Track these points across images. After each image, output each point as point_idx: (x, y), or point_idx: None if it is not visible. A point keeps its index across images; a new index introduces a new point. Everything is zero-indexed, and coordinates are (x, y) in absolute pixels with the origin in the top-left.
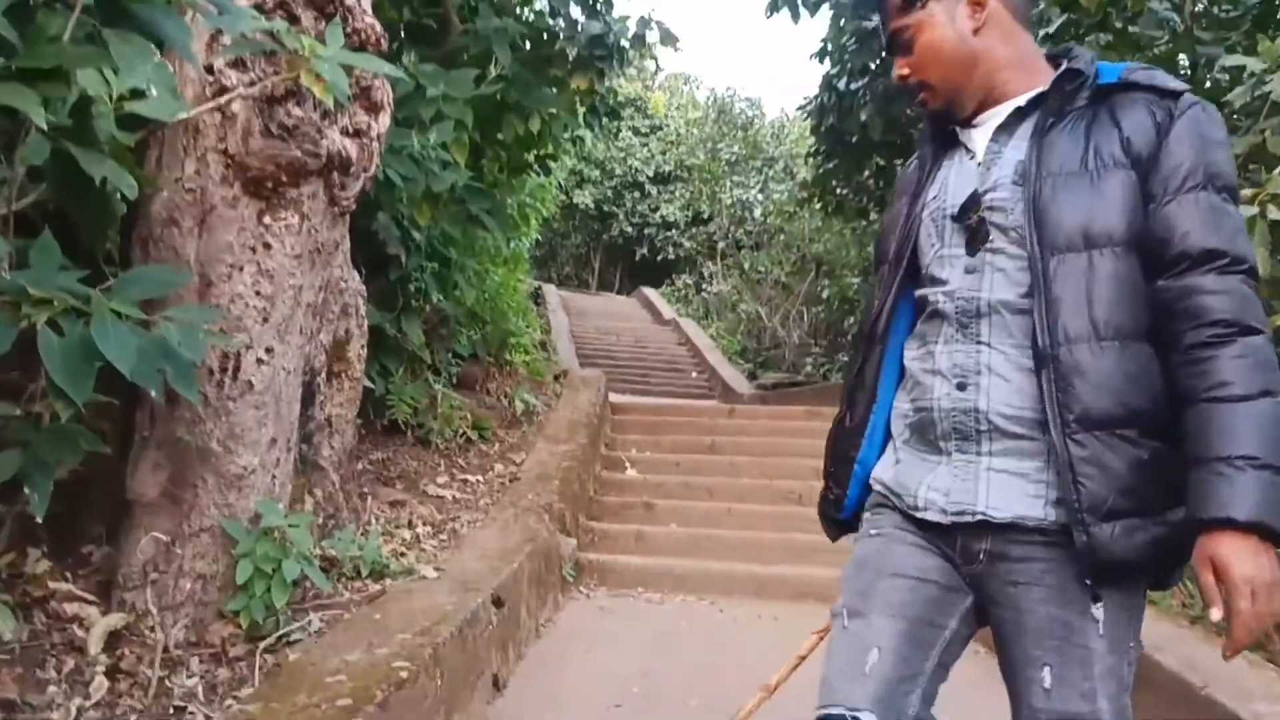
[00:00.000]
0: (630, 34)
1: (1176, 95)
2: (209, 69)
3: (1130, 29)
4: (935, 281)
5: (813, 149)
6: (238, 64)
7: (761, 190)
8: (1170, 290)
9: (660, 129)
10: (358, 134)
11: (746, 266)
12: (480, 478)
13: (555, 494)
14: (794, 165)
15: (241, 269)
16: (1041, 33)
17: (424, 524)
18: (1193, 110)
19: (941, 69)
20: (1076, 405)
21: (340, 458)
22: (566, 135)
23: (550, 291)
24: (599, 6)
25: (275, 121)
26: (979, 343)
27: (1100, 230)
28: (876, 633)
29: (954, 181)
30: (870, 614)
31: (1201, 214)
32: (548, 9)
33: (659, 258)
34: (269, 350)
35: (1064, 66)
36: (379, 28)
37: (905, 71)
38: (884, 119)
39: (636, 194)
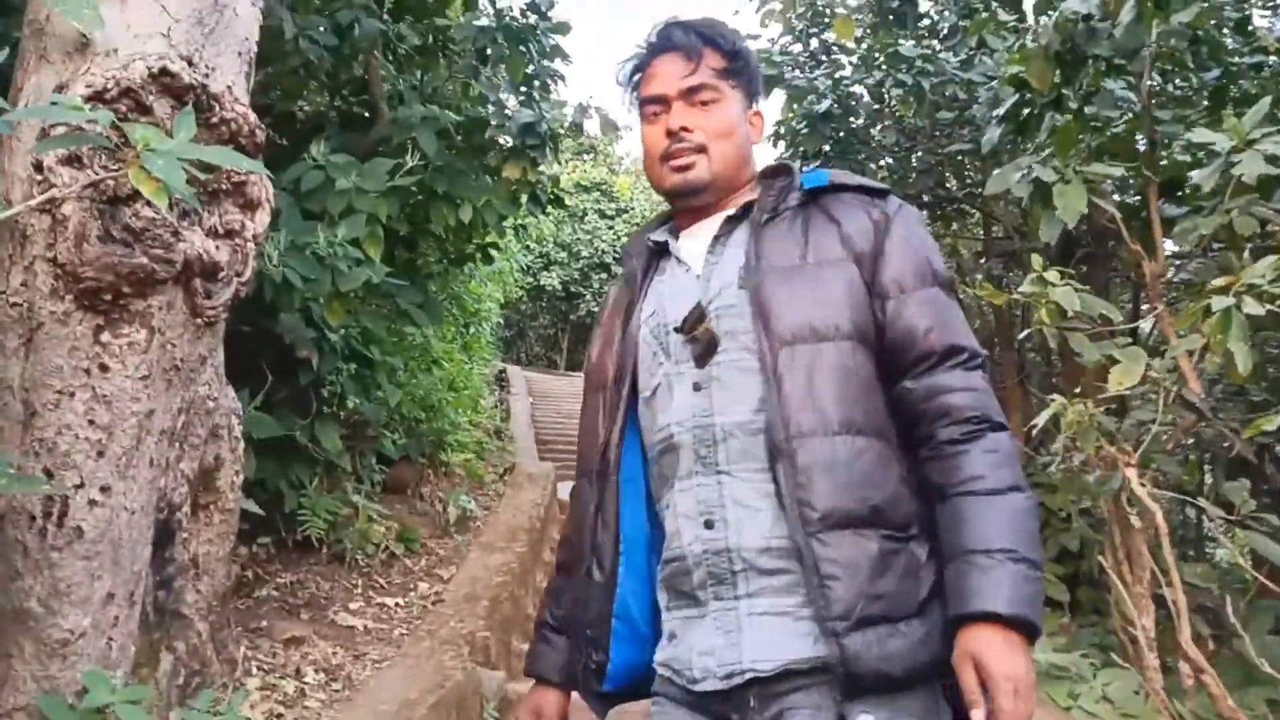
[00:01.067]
0: (568, 122)
1: (885, 195)
2: (38, 166)
3: (1086, 108)
4: (662, 410)
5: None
6: (72, 161)
7: None
8: (916, 390)
9: (626, 211)
10: (229, 234)
11: None
12: (400, 600)
13: (482, 618)
14: None
15: (72, 395)
16: (994, 113)
17: (317, 670)
18: (904, 210)
19: (725, 150)
20: (818, 502)
21: (210, 602)
22: (508, 223)
23: (515, 374)
24: (534, 94)
25: (119, 224)
26: (719, 473)
27: (825, 324)
28: None
29: (670, 295)
30: None
31: (936, 312)
32: (481, 98)
33: None
34: (105, 489)
35: (769, 166)
36: (253, 118)
37: (691, 127)
38: None
39: (603, 275)
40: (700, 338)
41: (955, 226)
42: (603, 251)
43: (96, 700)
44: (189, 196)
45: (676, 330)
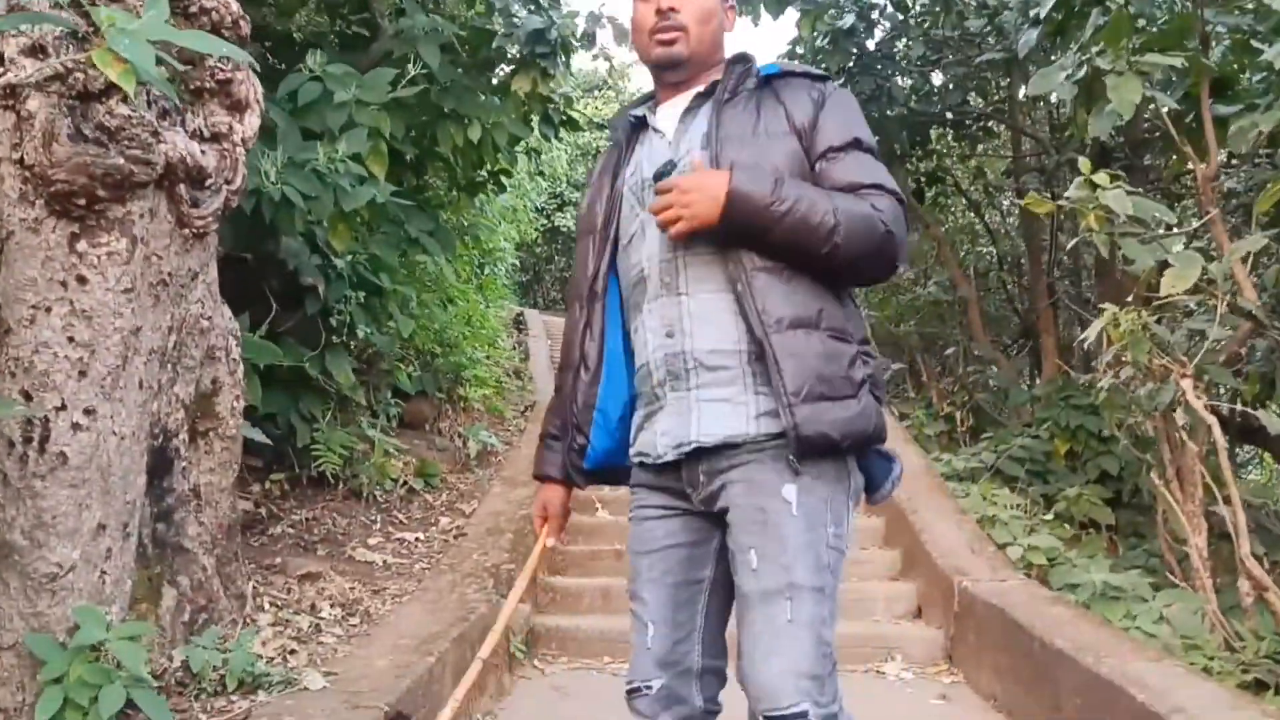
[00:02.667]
0: (579, 30)
1: (825, 79)
2: None
3: (1129, 5)
4: (636, 250)
5: None
6: (36, 51)
7: None
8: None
9: None
10: (216, 138)
11: None
12: (420, 535)
13: (506, 551)
14: None
15: (49, 310)
16: (1033, 13)
17: (333, 605)
18: (839, 91)
19: (702, 30)
20: (774, 311)
21: (215, 535)
22: (521, 149)
23: (533, 317)
24: (543, 1)
25: (91, 122)
26: (679, 294)
27: (771, 164)
28: (648, 608)
29: (647, 158)
30: (641, 593)
31: (860, 166)
32: (487, 8)
33: None
34: (89, 412)
35: (733, 55)
36: (236, 8)
37: (678, 8)
38: None
39: None
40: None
41: (981, 147)
42: None
43: (89, 637)
44: (161, 84)
45: (655, 179)
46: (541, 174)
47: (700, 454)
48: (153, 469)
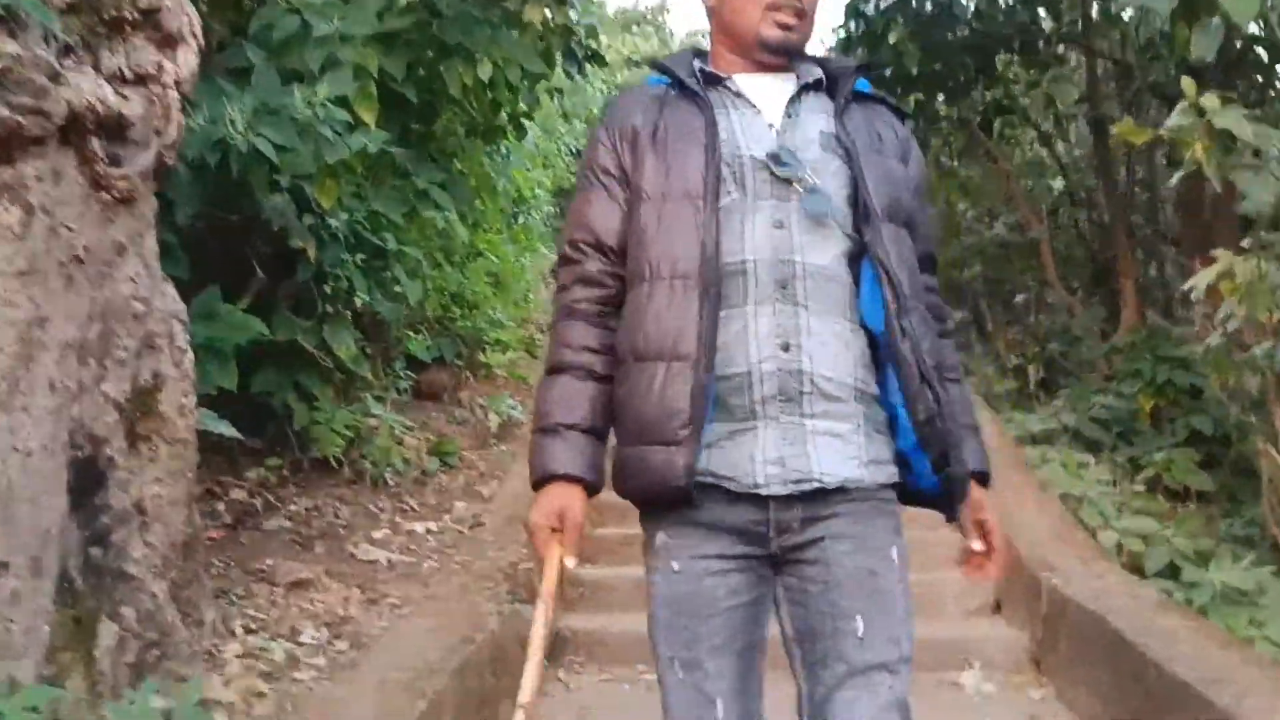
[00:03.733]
0: None
1: (905, 118)
2: None
3: None
4: (733, 236)
5: None
6: None
7: None
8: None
9: None
10: (141, 80)
11: None
12: (432, 526)
13: (525, 547)
14: None
15: None
16: None
17: (319, 625)
18: (914, 138)
19: (813, 22)
20: (925, 358)
21: (167, 555)
22: (543, 88)
23: None
24: None
25: None
26: (797, 304)
27: (902, 208)
28: (714, 681)
29: (742, 131)
30: (703, 662)
31: (929, 230)
32: None
33: None
34: None
35: (863, 66)
36: None
37: None
38: (920, 46)
39: None
40: (795, 182)
41: (1052, 72)
42: None
43: None
44: (32, 5)
45: (773, 162)
46: (576, 116)
47: (809, 494)
48: (79, 486)
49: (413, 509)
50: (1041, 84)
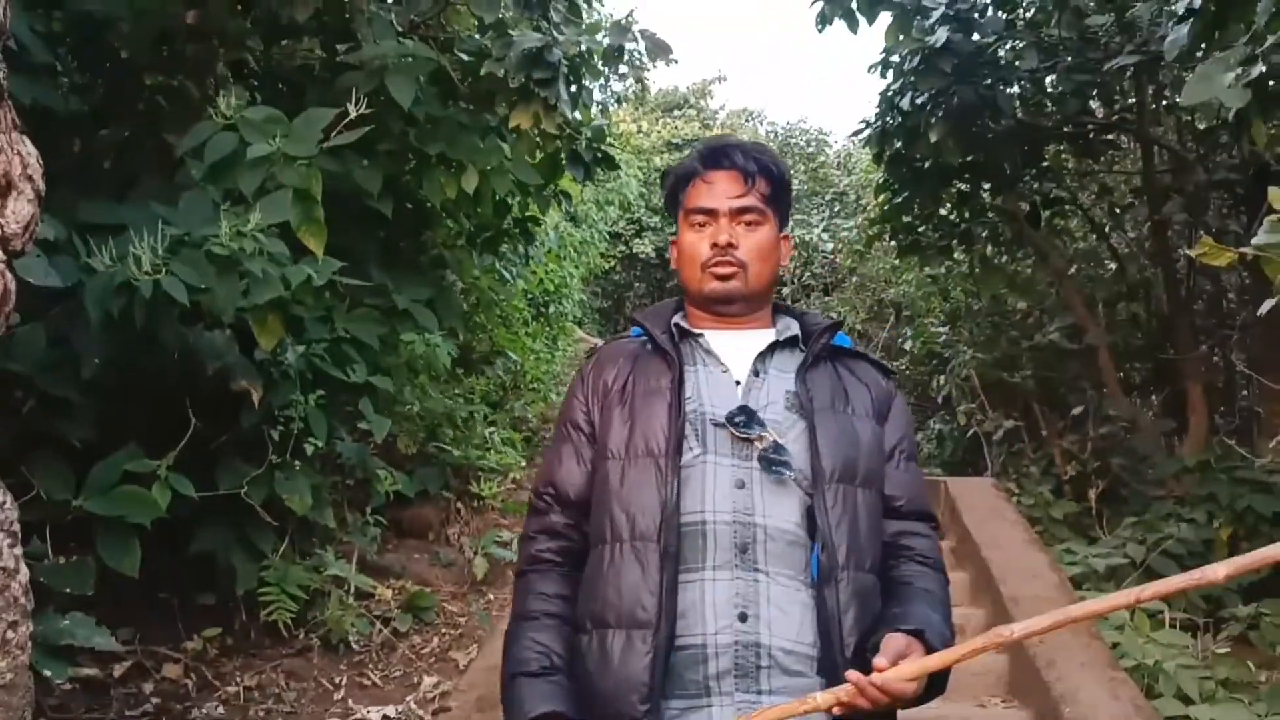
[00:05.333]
0: (603, 46)
1: (889, 374)
2: None
3: None
4: (693, 495)
5: (880, 180)
6: None
7: (826, 229)
8: (904, 534)
9: None
10: None
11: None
12: (391, 710)
13: None
14: (865, 197)
15: None
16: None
17: None
18: (899, 391)
19: (762, 270)
20: (853, 627)
21: None
22: (547, 191)
23: None
24: (551, 12)
25: None
26: (756, 569)
27: (864, 470)
28: None
29: (708, 388)
30: None
31: (917, 483)
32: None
33: None
34: None
35: (830, 320)
36: None
37: (737, 244)
38: (962, 138)
39: None
40: (755, 441)
41: (1103, 159)
42: None
43: None
44: None
45: (731, 422)
46: (609, 203)
47: None
48: None
49: (374, 683)
50: (1094, 174)
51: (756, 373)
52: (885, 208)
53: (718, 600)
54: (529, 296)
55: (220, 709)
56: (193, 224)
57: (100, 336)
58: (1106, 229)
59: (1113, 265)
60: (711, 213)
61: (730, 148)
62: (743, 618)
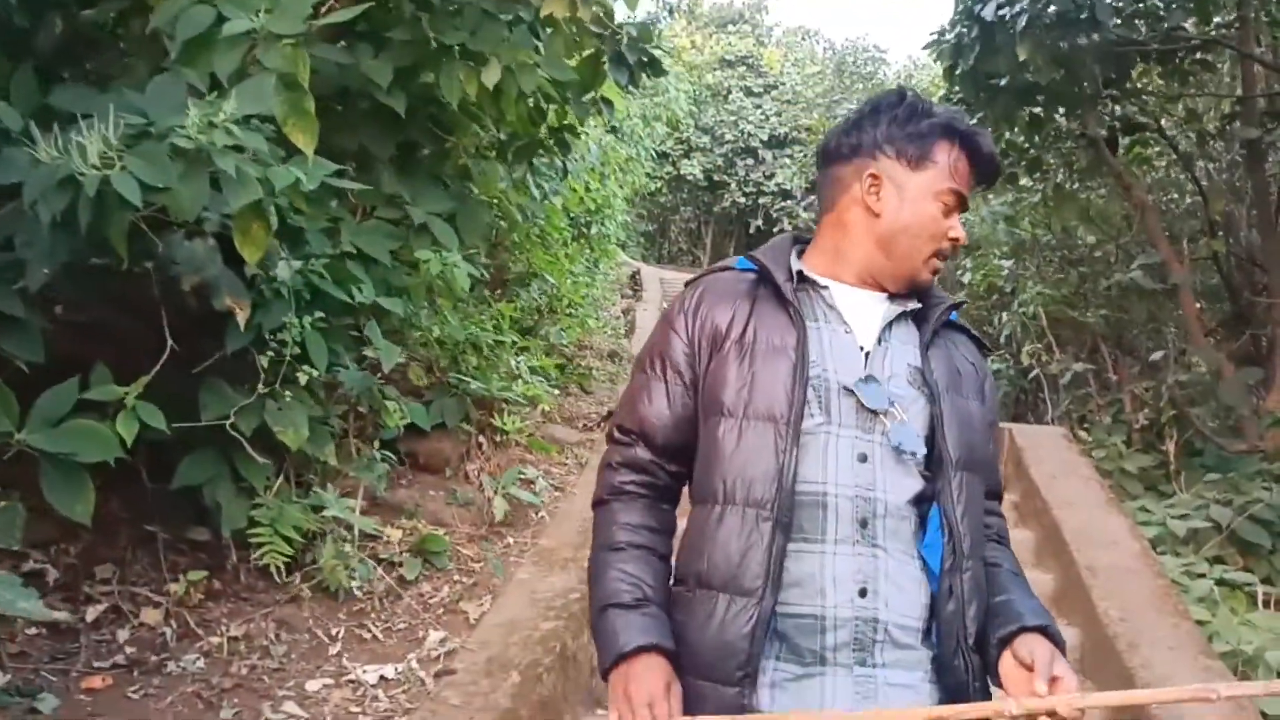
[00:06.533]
0: None
1: (986, 351)
2: None
3: None
4: (813, 463)
5: (946, 98)
6: None
7: None
8: (985, 513)
9: (775, 88)
10: None
11: None
12: (389, 670)
13: (506, 707)
14: None
15: None
16: None
17: None
18: (990, 372)
19: None
20: (972, 623)
21: None
22: (587, 97)
23: (650, 276)
24: None
25: None
26: (875, 545)
27: (979, 457)
28: None
29: (831, 353)
30: None
31: (998, 461)
32: None
33: (775, 229)
34: None
35: (950, 298)
36: None
37: (962, 237)
38: (1048, 54)
39: (749, 160)
40: (882, 415)
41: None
42: (749, 134)
43: None
44: None
45: (861, 392)
46: (657, 119)
47: None
48: None
49: (374, 636)
50: (1182, 96)
51: (879, 340)
52: None
53: (838, 574)
54: (570, 216)
55: (200, 662)
56: (161, 113)
57: (51, 241)
58: (1193, 159)
59: (1195, 198)
60: (962, 199)
61: (990, 145)
62: (862, 593)
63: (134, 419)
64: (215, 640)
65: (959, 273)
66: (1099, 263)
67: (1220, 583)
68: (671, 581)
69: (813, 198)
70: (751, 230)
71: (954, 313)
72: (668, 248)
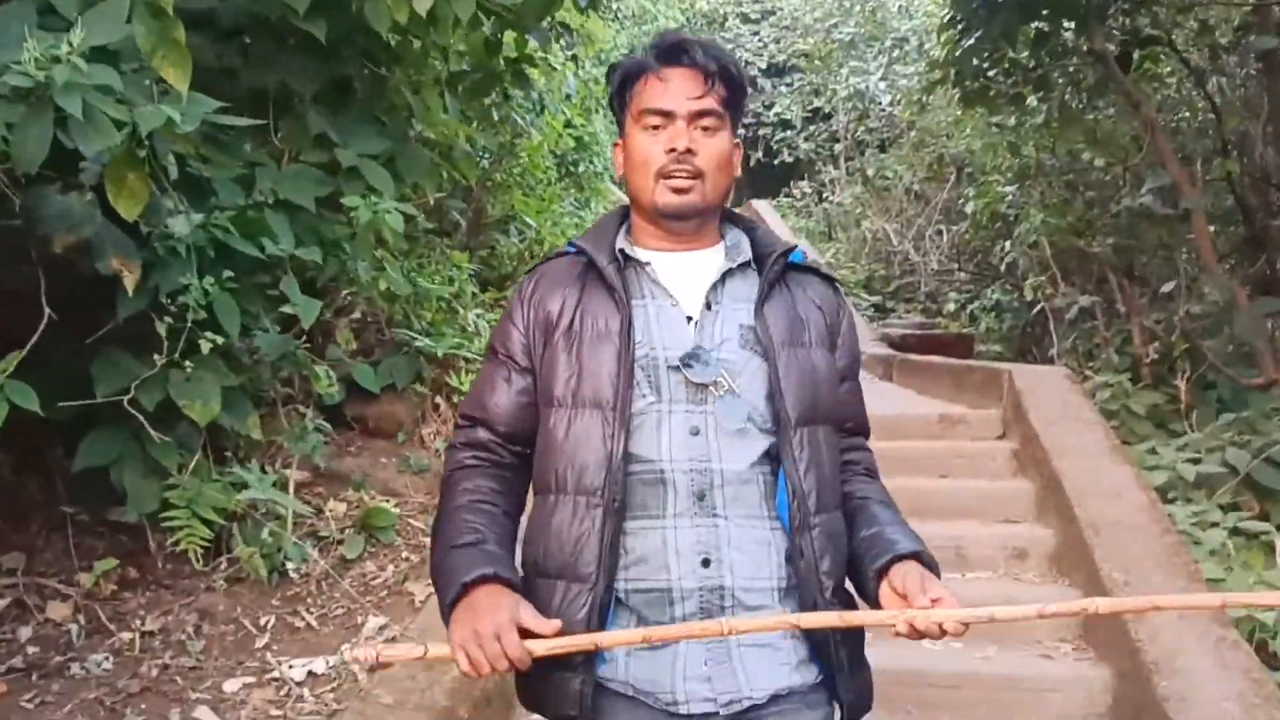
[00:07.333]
0: None
1: (837, 287)
2: None
3: None
4: (648, 443)
5: (947, 18)
6: None
7: (884, 77)
8: (848, 450)
9: (773, 13)
10: None
11: (871, 172)
12: (324, 663)
13: (443, 703)
14: (929, 43)
15: None
16: None
17: None
18: (846, 304)
19: (719, 180)
20: (832, 572)
21: None
22: (544, 23)
23: None
24: None
25: None
26: (715, 515)
27: (824, 407)
28: None
29: (658, 328)
30: None
31: (860, 400)
32: None
33: (776, 162)
34: None
35: (784, 244)
36: None
37: (694, 149)
38: None
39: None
40: (710, 387)
41: None
42: (746, 63)
43: None
44: None
45: (687, 366)
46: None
47: (738, 713)
48: None
49: (308, 625)
50: (1194, 7)
51: (709, 304)
52: (950, 50)
53: (680, 547)
54: (555, 155)
55: (108, 662)
56: (3, 47)
57: None
58: (1205, 74)
59: (1207, 117)
60: (668, 114)
61: (689, 43)
62: (705, 563)
63: (3, 401)
64: (127, 636)
65: (960, 201)
66: (1106, 187)
67: (1234, 532)
68: (522, 570)
69: (813, 128)
70: (751, 163)
71: (797, 255)
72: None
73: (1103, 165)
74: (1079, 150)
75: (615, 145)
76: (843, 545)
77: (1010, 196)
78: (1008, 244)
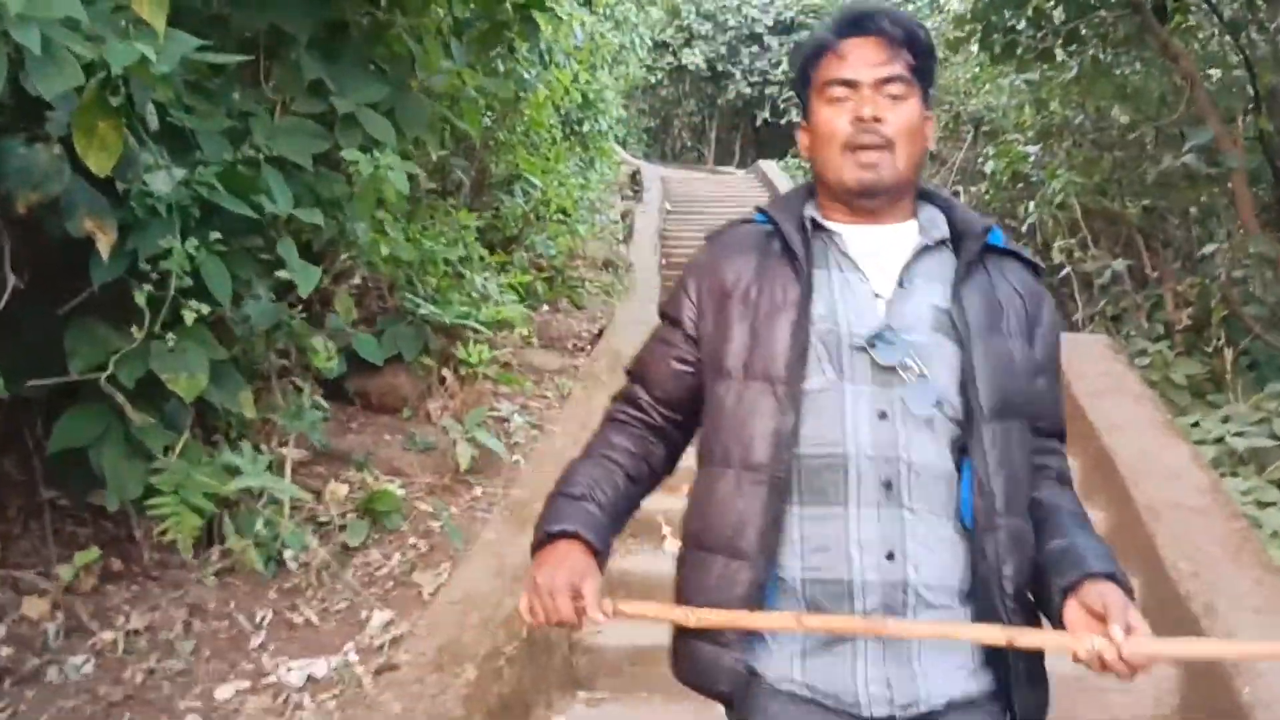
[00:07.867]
0: None
1: (1040, 274)
2: None
3: None
4: (829, 424)
5: None
6: None
7: None
8: (1040, 453)
9: None
10: None
11: None
12: (319, 666)
13: (457, 714)
14: None
15: None
16: None
17: None
18: (1048, 296)
19: (912, 151)
20: (1014, 579)
21: None
22: None
23: (650, 175)
24: None
25: None
26: (902, 507)
27: (1020, 402)
28: None
29: (843, 303)
30: None
31: (1060, 399)
32: None
33: (783, 121)
34: None
35: (984, 220)
36: None
37: (880, 117)
38: None
39: (755, 48)
40: (900, 372)
41: None
42: (753, 20)
43: None
44: None
45: (874, 347)
46: (652, 3)
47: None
48: None
49: (307, 622)
50: None
51: (901, 283)
52: (976, 4)
53: (864, 538)
54: (559, 112)
55: (89, 665)
56: None
57: None
58: (1242, 25)
59: (1239, 72)
60: (852, 84)
61: (872, 11)
62: (890, 556)
63: None
64: (110, 636)
65: (979, 161)
66: (1134, 146)
67: None
68: (682, 539)
69: None
70: (758, 123)
71: (996, 233)
72: (671, 144)
73: (1129, 123)
74: (1106, 108)
75: (801, 128)
76: (1028, 552)
77: (1033, 156)
78: (1031, 204)
